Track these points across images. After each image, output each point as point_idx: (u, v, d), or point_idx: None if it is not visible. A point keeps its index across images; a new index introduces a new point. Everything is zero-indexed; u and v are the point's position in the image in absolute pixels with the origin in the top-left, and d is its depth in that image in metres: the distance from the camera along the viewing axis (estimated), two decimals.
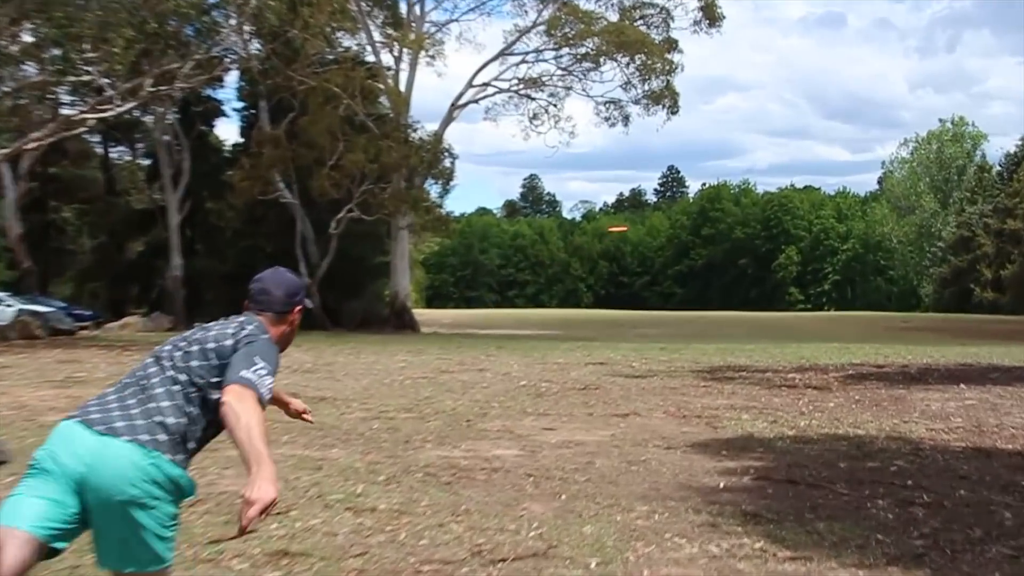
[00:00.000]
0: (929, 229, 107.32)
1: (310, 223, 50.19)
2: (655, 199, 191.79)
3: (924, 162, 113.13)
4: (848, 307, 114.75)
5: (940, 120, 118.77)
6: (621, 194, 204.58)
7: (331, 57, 48.31)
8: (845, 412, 14.60)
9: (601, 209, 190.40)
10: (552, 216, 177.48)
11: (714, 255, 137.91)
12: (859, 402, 15.91)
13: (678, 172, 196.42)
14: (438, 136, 48.81)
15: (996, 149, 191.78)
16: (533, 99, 50.92)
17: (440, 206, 50.92)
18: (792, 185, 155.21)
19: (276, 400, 4.84)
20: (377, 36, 49.53)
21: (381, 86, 49.38)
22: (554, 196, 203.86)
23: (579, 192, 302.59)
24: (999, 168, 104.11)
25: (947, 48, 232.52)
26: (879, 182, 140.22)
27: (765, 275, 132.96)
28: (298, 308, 4.58)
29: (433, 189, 50.67)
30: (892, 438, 12.26)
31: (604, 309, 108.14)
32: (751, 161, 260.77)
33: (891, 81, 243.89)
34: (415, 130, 48.70)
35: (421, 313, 60.76)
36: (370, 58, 49.39)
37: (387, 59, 49.54)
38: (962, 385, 18.40)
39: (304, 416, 5.09)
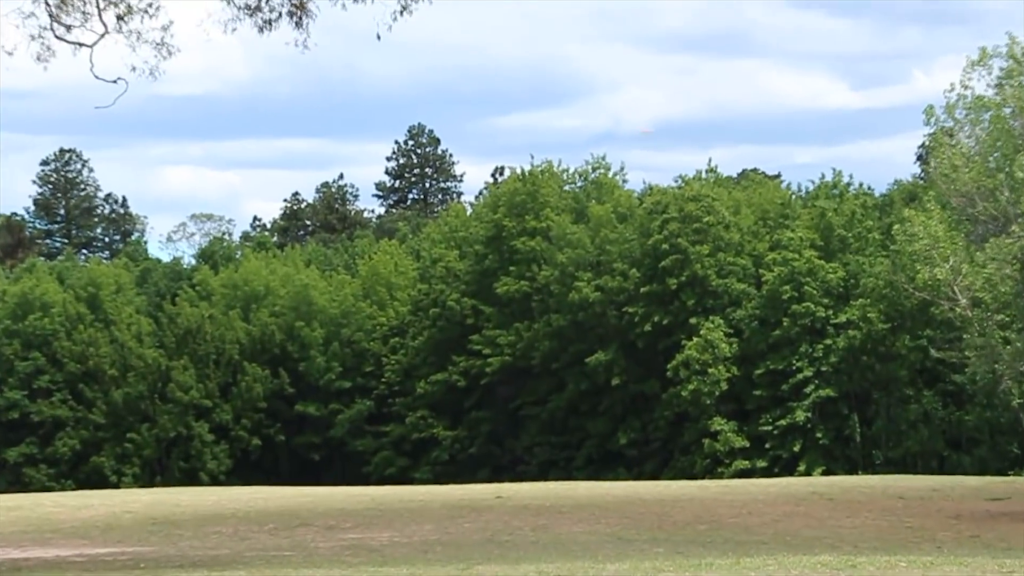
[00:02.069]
0: None
1: None
2: (380, 209, 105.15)
3: None
4: (855, 465, 63.50)
5: None
6: (297, 196, 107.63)
7: None
8: None
9: (247, 235, 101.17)
10: (120, 255, 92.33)
11: (531, 343, 69.46)
12: None
13: (436, 143, 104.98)
14: None
15: None
16: None
17: None
18: (713, 169, 78.11)
19: None
20: None
21: None
22: (125, 206, 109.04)
23: (186, 196, 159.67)
24: None
25: None
26: (921, 157, 76.00)
27: (651, 391, 67.64)
28: None
29: None
30: None
31: (260, 485, 55.35)
32: (613, 112, 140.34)
33: None
34: None
35: None
36: None
37: None
38: None
39: None
